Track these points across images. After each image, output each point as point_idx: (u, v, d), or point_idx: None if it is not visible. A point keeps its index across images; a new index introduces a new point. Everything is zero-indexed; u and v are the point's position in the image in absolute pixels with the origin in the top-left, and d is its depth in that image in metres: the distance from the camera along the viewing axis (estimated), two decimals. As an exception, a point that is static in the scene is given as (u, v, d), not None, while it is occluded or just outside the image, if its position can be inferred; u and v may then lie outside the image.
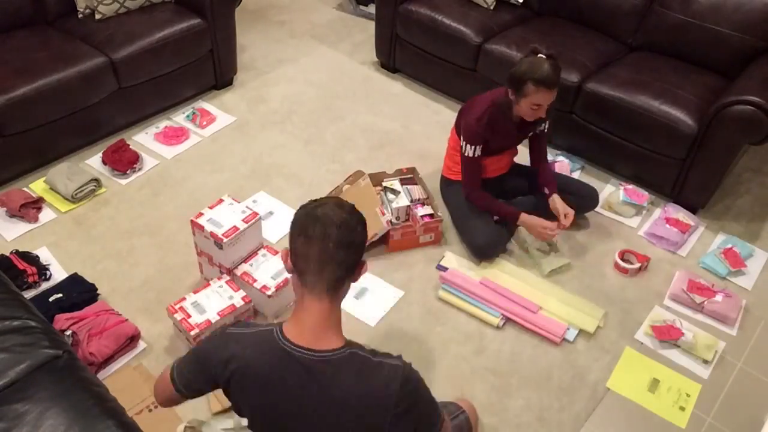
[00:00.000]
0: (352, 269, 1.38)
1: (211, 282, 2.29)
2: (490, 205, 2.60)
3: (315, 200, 1.41)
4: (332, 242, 1.32)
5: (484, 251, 2.61)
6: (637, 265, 2.61)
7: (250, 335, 1.41)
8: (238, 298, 2.25)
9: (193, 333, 2.13)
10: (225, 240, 2.24)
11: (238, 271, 2.34)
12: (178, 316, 2.17)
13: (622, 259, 2.65)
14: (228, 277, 2.32)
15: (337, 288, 1.36)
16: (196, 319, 2.17)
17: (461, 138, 2.54)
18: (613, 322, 2.44)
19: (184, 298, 2.23)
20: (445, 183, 2.82)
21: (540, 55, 2.34)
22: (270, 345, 1.36)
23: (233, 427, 2.02)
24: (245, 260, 2.38)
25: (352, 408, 1.33)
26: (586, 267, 2.66)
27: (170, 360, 2.22)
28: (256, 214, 2.36)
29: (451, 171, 2.74)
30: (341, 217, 1.34)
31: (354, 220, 1.37)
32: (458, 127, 2.61)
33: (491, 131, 2.49)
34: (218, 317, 2.18)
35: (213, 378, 1.43)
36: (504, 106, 2.49)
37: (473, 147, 2.50)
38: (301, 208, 1.40)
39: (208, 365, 1.42)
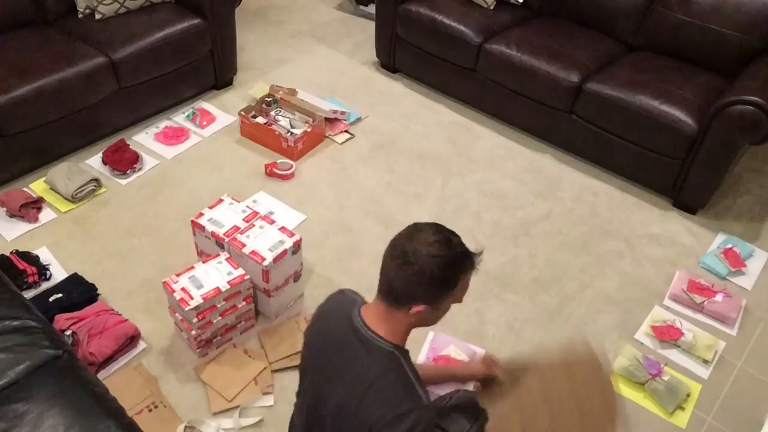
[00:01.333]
0: (414, 299, 1.37)
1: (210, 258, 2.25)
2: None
3: (436, 226, 1.39)
4: (394, 266, 1.36)
5: None
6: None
7: (340, 296, 1.57)
8: (237, 275, 2.18)
9: (188, 307, 2.07)
10: (227, 240, 2.24)
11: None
12: (177, 295, 2.09)
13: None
14: (227, 254, 2.27)
15: (394, 300, 1.39)
16: (194, 293, 2.10)
17: None
18: (613, 322, 2.44)
19: (180, 274, 2.16)
20: None
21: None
22: (347, 304, 1.51)
23: (233, 427, 2.03)
24: (241, 232, 2.32)
25: (361, 393, 1.36)
26: (586, 267, 2.66)
27: (170, 360, 2.22)
28: (257, 213, 2.36)
29: None
30: (418, 250, 1.33)
31: (426, 260, 1.32)
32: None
33: None
34: (221, 289, 2.11)
35: None
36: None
37: None
38: (423, 224, 1.41)
39: None
